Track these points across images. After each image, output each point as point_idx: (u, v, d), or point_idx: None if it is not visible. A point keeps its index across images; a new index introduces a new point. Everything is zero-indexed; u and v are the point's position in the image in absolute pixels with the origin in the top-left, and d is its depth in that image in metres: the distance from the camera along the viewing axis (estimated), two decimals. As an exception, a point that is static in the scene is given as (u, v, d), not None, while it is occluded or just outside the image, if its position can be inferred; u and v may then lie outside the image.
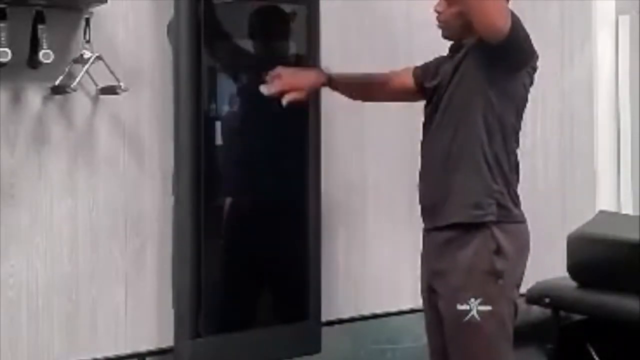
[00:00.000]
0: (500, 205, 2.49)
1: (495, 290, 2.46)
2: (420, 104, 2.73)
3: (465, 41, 2.53)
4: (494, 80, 2.47)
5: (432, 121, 2.58)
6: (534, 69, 2.56)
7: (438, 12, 2.60)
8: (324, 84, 2.83)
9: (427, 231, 2.63)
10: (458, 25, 2.55)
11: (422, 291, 2.68)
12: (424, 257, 2.67)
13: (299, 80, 2.74)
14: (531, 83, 2.57)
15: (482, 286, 2.46)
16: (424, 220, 2.65)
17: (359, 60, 3.69)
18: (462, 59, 2.51)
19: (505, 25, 2.34)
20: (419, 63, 2.80)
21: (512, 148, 2.55)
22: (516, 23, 2.38)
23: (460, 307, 2.45)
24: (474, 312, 2.44)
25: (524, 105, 2.58)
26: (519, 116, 2.57)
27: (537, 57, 2.53)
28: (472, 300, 2.44)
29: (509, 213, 2.50)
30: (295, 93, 2.69)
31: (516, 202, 2.55)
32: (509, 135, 2.53)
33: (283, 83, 2.69)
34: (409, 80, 2.81)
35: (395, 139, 3.74)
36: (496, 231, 2.47)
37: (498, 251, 2.46)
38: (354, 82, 2.89)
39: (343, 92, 2.89)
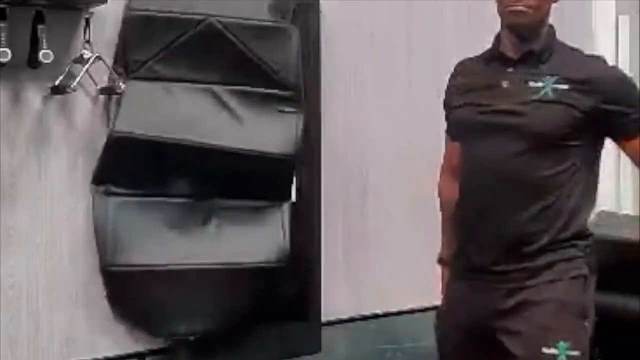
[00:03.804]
0: (588, 232, 2.33)
1: (583, 333, 2.27)
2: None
3: (536, 36, 2.40)
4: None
5: (494, 140, 2.27)
6: None
7: None
8: None
9: (491, 273, 2.29)
10: (540, 18, 2.42)
11: (459, 331, 2.38)
12: (475, 301, 2.34)
13: None
14: None
15: (572, 328, 2.25)
16: (485, 260, 2.30)
17: (359, 61, 3.69)
18: (558, 83, 2.31)
19: None
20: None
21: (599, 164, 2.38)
22: None
23: (546, 350, 2.21)
24: (562, 357, 2.21)
25: None
26: None
27: None
28: (562, 343, 2.22)
29: (589, 234, 2.33)
30: None
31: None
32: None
33: None
34: (457, 153, 2.47)
35: (396, 138, 3.73)
36: (584, 260, 2.29)
37: (585, 285, 2.27)
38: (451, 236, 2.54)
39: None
